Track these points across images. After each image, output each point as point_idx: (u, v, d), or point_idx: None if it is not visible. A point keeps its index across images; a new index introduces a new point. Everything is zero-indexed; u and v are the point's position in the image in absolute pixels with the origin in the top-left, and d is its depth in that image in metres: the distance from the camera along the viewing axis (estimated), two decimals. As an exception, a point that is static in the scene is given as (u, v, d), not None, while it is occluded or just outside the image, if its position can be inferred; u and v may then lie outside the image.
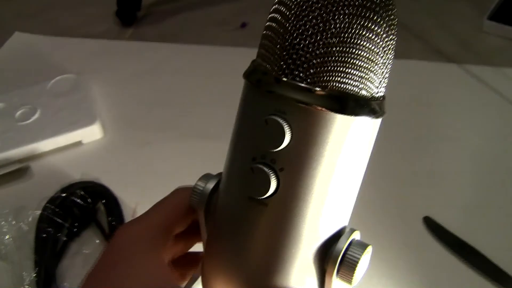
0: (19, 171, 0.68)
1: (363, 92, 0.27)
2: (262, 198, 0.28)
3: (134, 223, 0.34)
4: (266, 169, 0.28)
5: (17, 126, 0.72)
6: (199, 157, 0.67)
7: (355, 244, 0.30)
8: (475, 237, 0.58)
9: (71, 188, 0.62)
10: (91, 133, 0.72)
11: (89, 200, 0.61)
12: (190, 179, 0.33)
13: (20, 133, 0.71)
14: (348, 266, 0.29)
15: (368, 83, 0.27)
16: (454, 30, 0.89)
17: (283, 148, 0.27)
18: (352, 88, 0.26)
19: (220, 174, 0.33)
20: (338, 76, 0.26)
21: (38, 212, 0.60)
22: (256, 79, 0.28)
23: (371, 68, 0.27)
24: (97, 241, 0.59)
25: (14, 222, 0.59)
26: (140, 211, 0.63)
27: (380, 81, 0.28)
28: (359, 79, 0.26)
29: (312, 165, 0.28)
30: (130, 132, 0.75)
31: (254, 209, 0.29)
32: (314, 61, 0.26)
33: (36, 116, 0.73)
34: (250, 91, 0.29)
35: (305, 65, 0.26)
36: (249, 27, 0.95)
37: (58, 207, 0.60)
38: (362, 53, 0.26)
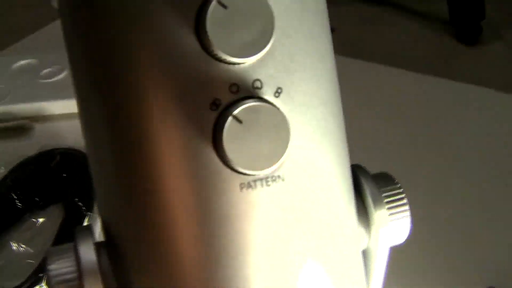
0: (21, 128, 0.61)
1: None
2: (272, 168, 0.16)
3: None
4: (266, 105, 0.16)
5: (36, 83, 0.65)
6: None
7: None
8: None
9: (51, 154, 0.52)
10: (110, 105, 0.62)
11: (64, 174, 0.51)
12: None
13: (36, 90, 0.63)
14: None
15: None
16: None
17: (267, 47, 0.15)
18: None
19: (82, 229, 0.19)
20: None
21: (4, 171, 0.51)
22: None
23: None
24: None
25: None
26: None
27: None
28: None
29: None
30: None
31: (262, 199, 0.16)
32: None
33: (60, 76, 0.65)
34: None
35: None
36: (337, 33, 0.82)
37: (29, 172, 0.51)
38: None
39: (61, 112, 0.62)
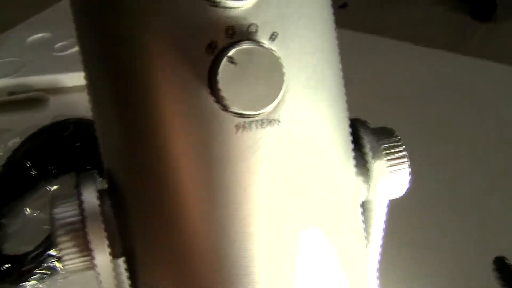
0: (36, 100, 0.61)
1: None
2: (267, 110, 0.16)
3: None
4: (260, 47, 0.16)
5: (51, 55, 0.65)
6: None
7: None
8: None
9: (64, 124, 0.53)
10: (123, 78, 0.63)
11: (77, 144, 0.52)
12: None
13: (50, 63, 0.64)
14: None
15: None
16: None
17: None
18: None
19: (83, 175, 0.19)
20: None
21: (19, 141, 0.52)
22: None
23: None
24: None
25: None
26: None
27: None
28: None
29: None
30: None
31: (258, 142, 0.16)
32: None
33: (73, 49, 0.66)
34: None
35: None
36: (350, 8, 0.81)
37: (43, 142, 0.52)
38: None
39: (74, 84, 0.63)
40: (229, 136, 0.16)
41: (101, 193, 0.19)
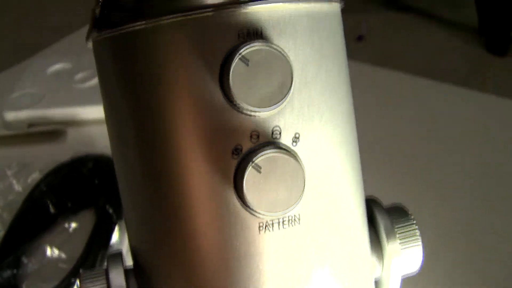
0: (54, 133, 0.62)
1: None
2: (288, 211, 0.17)
3: None
4: (283, 155, 0.16)
5: (70, 87, 0.67)
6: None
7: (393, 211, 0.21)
8: None
9: (83, 160, 0.54)
10: (140, 112, 0.64)
11: (96, 181, 0.52)
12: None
13: (69, 95, 0.65)
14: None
15: None
16: None
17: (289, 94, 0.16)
18: None
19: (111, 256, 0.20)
20: None
21: (38, 176, 0.52)
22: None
23: None
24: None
25: (12, 178, 0.53)
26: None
27: None
28: None
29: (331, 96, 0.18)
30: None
31: (279, 240, 0.17)
32: None
33: (93, 81, 0.67)
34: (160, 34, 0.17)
35: None
36: (366, 41, 0.82)
37: (62, 178, 0.52)
38: None
39: (94, 118, 0.64)
40: (252, 235, 0.17)
41: (127, 273, 0.20)
